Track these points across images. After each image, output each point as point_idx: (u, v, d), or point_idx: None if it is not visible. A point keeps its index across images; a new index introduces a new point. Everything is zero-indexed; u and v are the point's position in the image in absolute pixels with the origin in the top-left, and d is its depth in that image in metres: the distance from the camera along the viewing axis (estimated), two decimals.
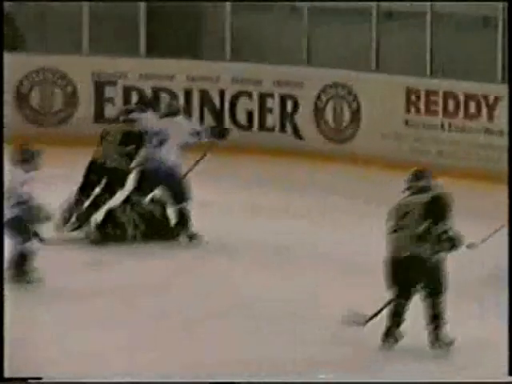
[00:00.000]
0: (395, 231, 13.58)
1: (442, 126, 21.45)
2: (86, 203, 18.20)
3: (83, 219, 18.11)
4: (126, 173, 18.08)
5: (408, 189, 13.57)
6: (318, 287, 15.72)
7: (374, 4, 22.30)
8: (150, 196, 17.98)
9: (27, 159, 15.92)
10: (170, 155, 17.05)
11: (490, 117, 20.87)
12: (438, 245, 13.51)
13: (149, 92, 23.07)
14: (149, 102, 19.34)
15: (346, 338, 13.61)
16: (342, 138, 22.02)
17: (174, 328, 14.57)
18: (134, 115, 17.82)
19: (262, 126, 22.30)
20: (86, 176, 18.14)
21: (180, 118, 17.44)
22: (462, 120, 21.20)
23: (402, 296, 13.56)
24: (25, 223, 15.71)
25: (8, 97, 22.65)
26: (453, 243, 13.50)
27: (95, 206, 18.18)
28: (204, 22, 24.68)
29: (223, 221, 18.65)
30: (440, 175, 18.76)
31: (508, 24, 12.59)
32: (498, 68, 21.30)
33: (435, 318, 13.58)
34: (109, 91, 23.22)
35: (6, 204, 15.18)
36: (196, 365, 12.84)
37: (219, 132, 18.03)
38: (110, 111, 22.83)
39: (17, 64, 22.66)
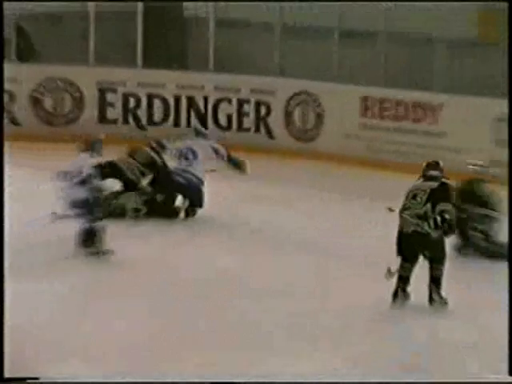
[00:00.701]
0: (405, 209, 13.74)
1: (393, 128, 21.30)
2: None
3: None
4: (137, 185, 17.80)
5: (422, 176, 13.81)
6: (285, 259, 15.57)
7: (335, 24, 21.72)
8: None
9: (93, 147, 16.07)
10: (198, 170, 17.12)
11: (433, 121, 20.82)
12: (439, 224, 13.75)
13: (144, 98, 22.73)
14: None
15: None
16: (308, 138, 21.86)
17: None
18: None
19: (240, 127, 22.13)
20: (102, 166, 17.15)
21: (207, 142, 17.41)
22: (409, 123, 21.06)
23: (407, 262, 13.68)
24: (91, 203, 15.71)
25: (25, 101, 22.71)
26: (447, 226, 13.69)
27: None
28: (191, 39, 24.34)
29: (213, 203, 18.14)
30: (391, 169, 20.28)
31: (508, 24, 12.25)
32: (439, 79, 21.49)
33: (434, 282, 13.75)
34: (110, 97, 22.85)
35: (72, 184, 15.45)
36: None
37: (235, 163, 17.89)
38: (111, 114, 22.93)
39: (32, 73, 23.08)
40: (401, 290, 13.85)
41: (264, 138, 22.05)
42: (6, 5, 21.31)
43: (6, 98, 22.11)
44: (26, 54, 23.49)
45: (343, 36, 21.96)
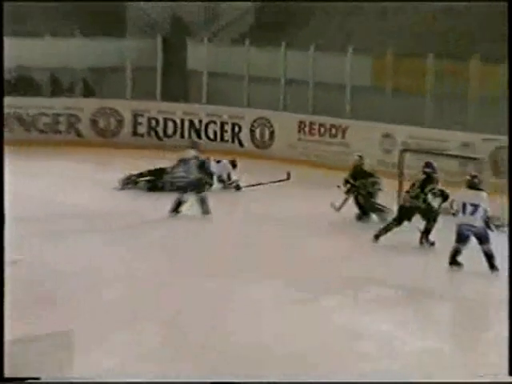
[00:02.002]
0: (407, 192, 14.78)
1: (318, 141, 21.39)
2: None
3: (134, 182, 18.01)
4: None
5: (422, 171, 14.68)
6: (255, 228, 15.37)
7: (281, 74, 22.01)
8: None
9: (195, 146, 16.70)
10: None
11: (343, 137, 20.93)
12: (434, 198, 14.53)
13: (161, 120, 22.82)
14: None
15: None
16: (265, 146, 22.12)
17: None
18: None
19: (222, 139, 22.28)
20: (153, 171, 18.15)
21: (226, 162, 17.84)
22: (328, 138, 21.18)
23: (399, 222, 14.50)
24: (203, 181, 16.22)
25: (86, 122, 22.87)
26: (442, 194, 14.41)
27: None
28: (191, 83, 24.30)
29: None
30: (318, 167, 20.52)
31: (508, 24, 12.42)
32: (347, 105, 21.08)
33: (425, 232, 14.40)
34: (140, 119, 22.98)
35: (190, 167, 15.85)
36: None
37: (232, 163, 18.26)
38: (140, 130, 23.04)
39: (91, 104, 23.09)
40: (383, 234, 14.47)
41: (237, 146, 22.16)
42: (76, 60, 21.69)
43: (74, 119, 22.87)
44: (88, 94, 23.73)
45: (287, 83, 22.01)
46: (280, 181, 18.39)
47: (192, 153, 16.26)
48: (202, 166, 16.32)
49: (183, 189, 16.03)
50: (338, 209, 16.14)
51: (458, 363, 9.95)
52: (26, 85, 23.47)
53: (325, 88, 21.48)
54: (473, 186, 13.37)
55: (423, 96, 20.20)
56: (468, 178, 13.66)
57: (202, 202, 15.97)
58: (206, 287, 11.94)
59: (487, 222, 13.15)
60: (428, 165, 14.85)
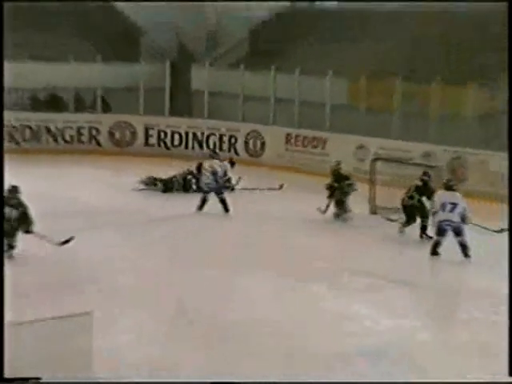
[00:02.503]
0: (406, 193, 14.91)
1: (302, 151, 21.32)
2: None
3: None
4: None
5: (420, 179, 14.80)
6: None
7: (271, 94, 22.01)
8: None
9: (217, 157, 16.80)
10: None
11: (323, 147, 20.90)
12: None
13: (169, 133, 22.71)
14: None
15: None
16: (257, 155, 22.01)
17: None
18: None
19: (220, 149, 21.63)
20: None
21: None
22: (310, 148, 21.14)
23: (413, 218, 14.67)
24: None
25: (105, 134, 22.81)
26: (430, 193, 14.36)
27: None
28: (194, 101, 24.16)
29: None
30: (300, 173, 20.32)
31: (508, 24, 11.92)
32: (327, 121, 21.07)
33: (422, 228, 14.54)
34: (151, 132, 22.88)
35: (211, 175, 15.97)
36: None
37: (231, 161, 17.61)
38: (150, 141, 22.89)
39: (109, 119, 23.01)
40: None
41: (233, 155, 21.28)
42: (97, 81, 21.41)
43: (95, 131, 22.80)
44: (106, 110, 23.54)
45: (276, 101, 22.01)
46: (272, 189, 18.33)
47: (217, 162, 16.55)
48: (225, 174, 16.54)
49: (207, 191, 16.29)
50: (324, 212, 16.11)
51: (430, 340, 10.01)
52: (54, 102, 23.67)
53: (308, 106, 21.51)
54: (449, 187, 13.65)
55: (391, 113, 20.31)
56: (444, 181, 14.09)
57: (223, 202, 16.17)
58: (208, 275, 12.05)
59: (463, 217, 13.27)
60: (425, 174, 15.00)
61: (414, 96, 20.03)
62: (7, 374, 6.80)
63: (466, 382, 8.22)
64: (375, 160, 17.75)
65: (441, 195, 13.62)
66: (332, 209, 16.19)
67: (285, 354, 9.24)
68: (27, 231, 12.25)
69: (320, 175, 18.01)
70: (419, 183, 14.91)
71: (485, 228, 14.05)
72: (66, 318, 7.48)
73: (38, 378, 6.76)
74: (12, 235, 12.19)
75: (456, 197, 13.42)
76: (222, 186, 16.48)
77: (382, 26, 23.35)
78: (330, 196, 16.23)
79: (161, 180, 18.41)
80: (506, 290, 10.83)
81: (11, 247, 12.15)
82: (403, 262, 13.34)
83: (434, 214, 13.57)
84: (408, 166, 17.61)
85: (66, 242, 12.46)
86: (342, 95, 21.77)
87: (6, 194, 12.11)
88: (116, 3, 26.27)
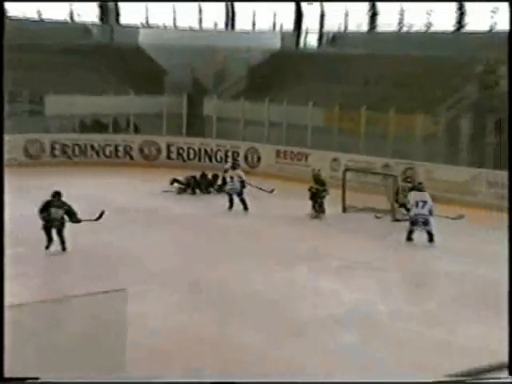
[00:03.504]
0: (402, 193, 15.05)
1: (290, 163, 20.91)
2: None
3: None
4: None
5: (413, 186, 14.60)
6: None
7: (265, 119, 21.81)
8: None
9: (238, 166, 17.28)
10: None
11: (306, 160, 20.55)
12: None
13: (186, 149, 22.40)
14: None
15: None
16: (254, 166, 21.40)
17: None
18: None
19: (226, 162, 20.42)
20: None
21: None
22: (296, 161, 20.84)
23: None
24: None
25: (136, 150, 22.65)
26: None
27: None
28: (206, 126, 23.51)
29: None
30: (287, 181, 19.78)
31: (509, 24, 11.52)
32: (309, 140, 20.71)
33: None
34: (171, 148, 22.55)
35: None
36: None
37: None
38: (171, 155, 22.55)
39: (138, 139, 22.85)
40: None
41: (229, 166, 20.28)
42: (130, 109, 21.68)
43: (128, 148, 22.58)
44: (137, 131, 23.35)
45: (269, 125, 21.85)
46: (264, 190, 18.04)
47: (239, 172, 16.76)
48: (243, 181, 16.55)
49: (231, 194, 16.41)
50: (311, 214, 15.86)
51: (385, 310, 9.92)
52: (97, 126, 23.66)
53: (294, 128, 21.34)
54: (420, 189, 13.87)
55: (359, 134, 20.13)
56: (416, 184, 14.37)
57: (243, 202, 16.23)
58: (213, 260, 12.05)
59: (430, 211, 13.46)
60: (420, 183, 14.76)
61: (376, 122, 19.95)
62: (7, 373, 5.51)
63: (466, 382, 7.72)
64: (346, 170, 17.70)
65: (414, 195, 13.78)
66: (310, 209, 16.04)
67: (270, 317, 9.39)
68: (76, 221, 12.26)
69: (303, 182, 17.75)
70: (410, 185, 15.12)
71: (446, 217, 14.04)
72: (105, 293, 7.21)
73: (36, 378, 5.81)
74: (58, 232, 12.24)
75: (425, 196, 13.58)
76: (242, 189, 16.42)
77: (351, 67, 23.38)
78: (312, 197, 16.04)
79: (181, 182, 18.52)
80: (454, 268, 11.09)
81: (50, 240, 12.17)
82: (370, 249, 13.29)
83: (408, 209, 13.76)
84: (371, 175, 17.86)
85: (100, 216, 12.60)
86: (320, 120, 21.52)
87: (50, 198, 12.22)
88: (145, 49, 26.19)
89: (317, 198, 15.93)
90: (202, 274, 11.14)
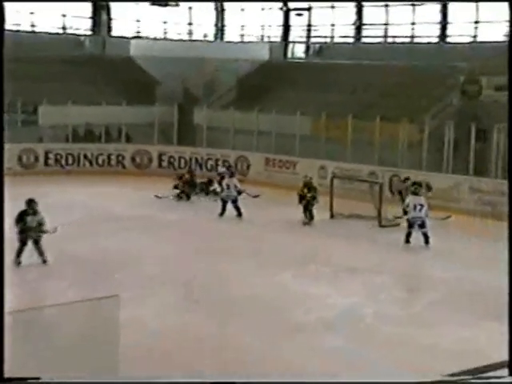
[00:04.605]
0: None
1: (279, 171, 20.86)
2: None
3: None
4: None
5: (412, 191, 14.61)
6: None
7: (255, 128, 21.65)
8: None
9: (234, 174, 17.14)
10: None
11: (294, 168, 20.28)
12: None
13: (177, 157, 22.33)
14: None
15: None
16: (244, 174, 20.93)
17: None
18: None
19: (216, 170, 20.71)
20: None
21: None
22: (284, 169, 20.72)
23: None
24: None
25: (128, 159, 22.52)
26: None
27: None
28: (197, 135, 23.12)
29: None
30: (275, 188, 19.65)
31: (509, 24, 11.05)
32: (297, 149, 20.53)
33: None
34: (163, 157, 22.58)
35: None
36: None
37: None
38: (163, 164, 22.55)
39: (131, 148, 22.67)
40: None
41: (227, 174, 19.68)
42: (122, 119, 21.50)
43: (121, 157, 22.49)
44: (129, 140, 23.11)
45: (258, 134, 21.65)
46: (249, 194, 17.76)
47: (235, 181, 16.73)
48: (239, 190, 16.53)
49: (227, 200, 16.30)
50: (304, 221, 15.80)
51: (371, 313, 9.91)
52: (90, 136, 23.62)
53: (282, 137, 21.26)
54: (416, 193, 14.21)
55: (346, 142, 20.06)
56: (412, 189, 14.55)
57: (238, 209, 16.19)
58: (210, 263, 12.05)
59: (426, 214, 13.84)
60: (416, 187, 14.86)
61: (362, 130, 19.87)
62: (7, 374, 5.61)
63: (466, 381, 7.33)
64: (333, 178, 17.73)
65: (411, 199, 14.09)
66: (300, 215, 15.95)
67: (263, 320, 9.38)
68: (43, 231, 11.68)
69: (291, 189, 17.67)
70: (408, 184, 15.75)
71: (435, 218, 14.41)
72: (98, 299, 7.08)
73: (36, 378, 5.71)
74: (35, 242, 11.62)
75: (421, 200, 13.98)
76: (237, 195, 16.43)
77: (338, 77, 23.35)
78: (301, 201, 15.93)
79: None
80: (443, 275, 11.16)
81: (21, 252, 11.51)
82: (357, 254, 13.31)
83: (406, 213, 14.01)
84: (358, 182, 17.79)
85: (55, 230, 11.64)
86: (308, 129, 21.49)
87: (25, 207, 11.60)
88: (137, 60, 26.07)
89: (308, 205, 15.89)
90: (198, 277, 11.21)
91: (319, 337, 8.90)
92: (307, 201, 15.87)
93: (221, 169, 19.77)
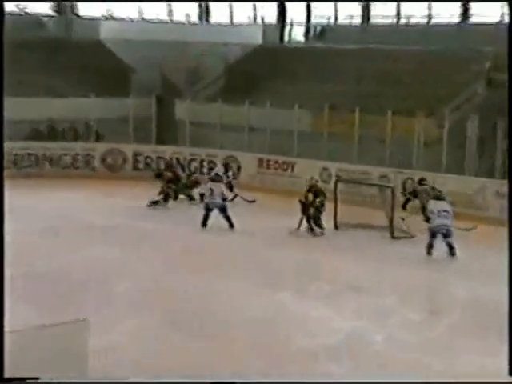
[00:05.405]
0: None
1: (274, 173, 21.14)
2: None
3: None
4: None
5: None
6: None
7: (246, 124, 21.91)
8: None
9: (220, 179, 17.26)
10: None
11: (292, 170, 20.80)
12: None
13: (155, 158, 22.53)
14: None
15: None
16: (234, 177, 20.46)
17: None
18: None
19: (201, 172, 21.50)
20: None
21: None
22: (280, 171, 21.05)
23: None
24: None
25: (98, 159, 22.64)
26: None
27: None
28: (179, 132, 23.61)
29: None
30: (269, 193, 19.93)
31: (509, 26, 11.07)
32: (295, 148, 20.89)
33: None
34: (139, 158, 22.78)
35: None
36: None
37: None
38: (139, 166, 22.75)
39: (102, 146, 22.83)
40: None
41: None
42: (91, 114, 21.47)
43: (89, 158, 22.69)
44: (99, 139, 23.34)
45: (250, 130, 21.89)
46: (245, 199, 18.07)
47: (221, 186, 16.84)
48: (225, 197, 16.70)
49: (212, 208, 16.33)
50: (298, 228, 15.98)
51: (377, 339, 9.99)
52: (53, 133, 23.67)
53: (278, 134, 21.36)
54: (440, 197, 14.35)
55: (352, 140, 20.16)
56: (435, 193, 14.88)
57: (228, 219, 16.15)
58: (194, 281, 12.10)
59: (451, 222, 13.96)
60: (439, 191, 15.30)
61: (371, 126, 19.99)
62: (7, 374, 6.43)
63: (465, 382, 7.86)
64: (337, 181, 17.82)
65: (434, 204, 14.19)
66: (305, 223, 16.04)
67: (261, 347, 9.42)
68: None
69: (289, 195, 17.93)
70: (426, 188, 16.23)
71: (457, 228, 14.37)
72: (65, 324, 7.25)
73: (36, 378, 6.32)
74: None
75: (446, 205, 14.06)
76: (224, 203, 16.44)
77: (342, 63, 23.49)
78: (304, 211, 15.98)
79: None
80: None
81: None
82: (365, 270, 13.36)
83: (429, 219, 14.22)
84: (366, 187, 18.00)
85: None
86: (307, 124, 21.66)
87: None
88: (107, 44, 26.15)
89: (316, 212, 15.87)
90: (182, 298, 11.27)
91: (322, 366, 8.93)
92: (315, 208, 15.84)
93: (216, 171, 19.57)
